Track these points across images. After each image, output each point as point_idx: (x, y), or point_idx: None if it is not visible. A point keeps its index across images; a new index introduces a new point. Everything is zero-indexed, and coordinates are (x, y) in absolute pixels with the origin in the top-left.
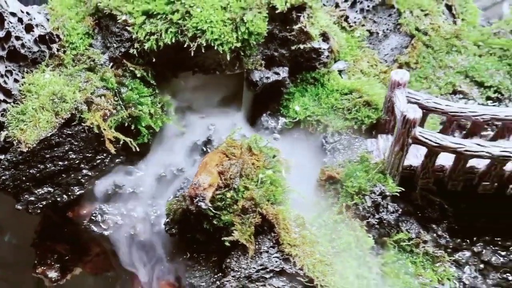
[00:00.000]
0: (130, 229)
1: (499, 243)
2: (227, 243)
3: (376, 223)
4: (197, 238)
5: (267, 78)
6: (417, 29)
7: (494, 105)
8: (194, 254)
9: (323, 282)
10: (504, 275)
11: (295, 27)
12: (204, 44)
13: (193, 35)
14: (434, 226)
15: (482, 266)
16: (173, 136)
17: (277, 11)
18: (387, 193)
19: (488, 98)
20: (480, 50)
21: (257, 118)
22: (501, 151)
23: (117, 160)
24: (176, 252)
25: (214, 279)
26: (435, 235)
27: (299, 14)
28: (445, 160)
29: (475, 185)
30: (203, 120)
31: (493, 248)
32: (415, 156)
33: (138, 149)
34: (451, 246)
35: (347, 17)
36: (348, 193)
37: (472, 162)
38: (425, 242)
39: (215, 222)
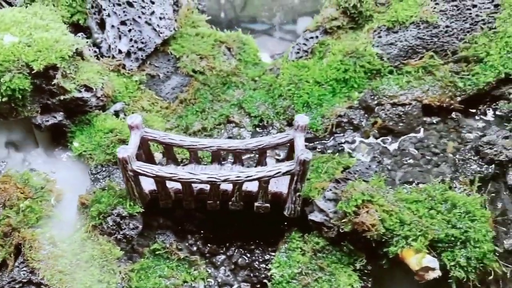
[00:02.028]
0: None
1: (246, 247)
2: None
3: (122, 237)
4: None
5: (47, 121)
6: (193, 70)
7: (261, 132)
8: None
9: (59, 286)
10: (249, 273)
11: (54, 82)
12: None
13: None
14: (189, 236)
15: (233, 266)
16: None
17: (33, 71)
18: (125, 214)
19: (256, 126)
20: (256, 84)
21: (54, 150)
22: (208, 177)
23: None
24: None
25: None
26: (188, 244)
27: (55, 72)
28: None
29: (204, 204)
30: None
31: (241, 251)
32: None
33: None
34: (207, 252)
35: (124, 65)
36: (93, 215)
37: (202, 186)
38: (180, 249)
39: None
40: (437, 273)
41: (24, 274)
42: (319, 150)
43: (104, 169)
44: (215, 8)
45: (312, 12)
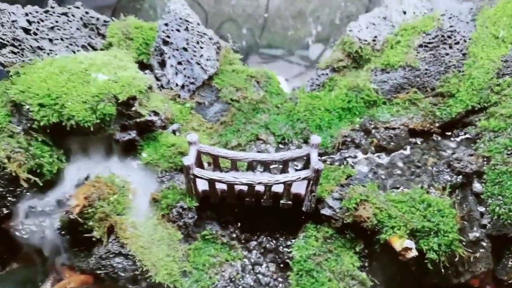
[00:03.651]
0: (41, 234)
1: (273, 235)
2: (94, 239)
3: (182, 224)
4: (80, 236)
5: (123, 137)
6: (231, 99)
7: (283, 148)
8: (81, 246)
9: (141, 257)
10: (274, 255)
11: (133, 109)
12: (74, 123)
13: (68, 118)
14: (230, 226)
15: (262, 250)
16: (69, 175)
17: (119, 101)
18: (185, 207)
19: (279, 143)
20: (278, 110)
21: (127, 159)
22: (247, 181)
23: (32, 190)
24: (70, 246)
25: None
26: (229, 232)
27: (134, 102)
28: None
29: (244, 201)
30: (87, 164)
31: (269, 239)
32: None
33: (42, 184)
34: (243, 238)
35: (179, 95)
36: (163, 207)
37: (241, 187)
38: (223, 236)
39: (85, 227)
40: (414, 253)
41: (116, 247)
42: (329, 162)
43: (167, 174)
44: (238, 37)
45: (322, 40)
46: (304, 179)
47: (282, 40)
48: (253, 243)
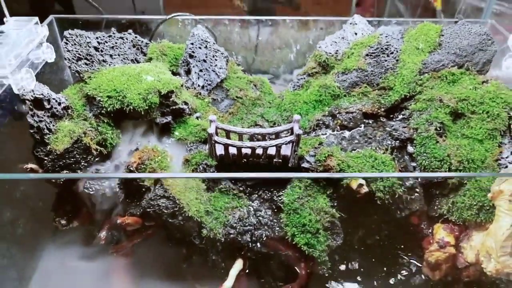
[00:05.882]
0: (102, 191)
1: (269, 188)
2: (143, 189)
3: (205, 178)
4: (133, 189)
5: (162, 120)
6: (236, 96)
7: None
8: (133, 197)
9: (178, 198)
10: (270, 203)
11: (170, 99)
12: (132, 108)
13: (127, 105)
14: (238, 182)
15: (262, 200)
16: (124, 146)
17: (161, 94)
18: (208, 164)
19: (271, 127)
20: (270, 104)
21: (163, 138)
22: (250, 145)
23: (97, 159)
24: (125, 197)
25: None
26: (238, 186)
27: (172, 94)
28: (234, 150)
29: (248, 161)
30: (136, 139)
31: (266, 192)
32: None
33: (106, 153)
34: (248, 191)
35: (200, 93)
36: (192, 164)
37: (245, 151)
38: (233, 189)
39: (138, 180)
40: (366, 189)
41: (161, 192)
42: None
43: (194, 145)
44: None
45: (302, 65)
46: (289, 142)
47: (269, 66)
48: (255, 195)
